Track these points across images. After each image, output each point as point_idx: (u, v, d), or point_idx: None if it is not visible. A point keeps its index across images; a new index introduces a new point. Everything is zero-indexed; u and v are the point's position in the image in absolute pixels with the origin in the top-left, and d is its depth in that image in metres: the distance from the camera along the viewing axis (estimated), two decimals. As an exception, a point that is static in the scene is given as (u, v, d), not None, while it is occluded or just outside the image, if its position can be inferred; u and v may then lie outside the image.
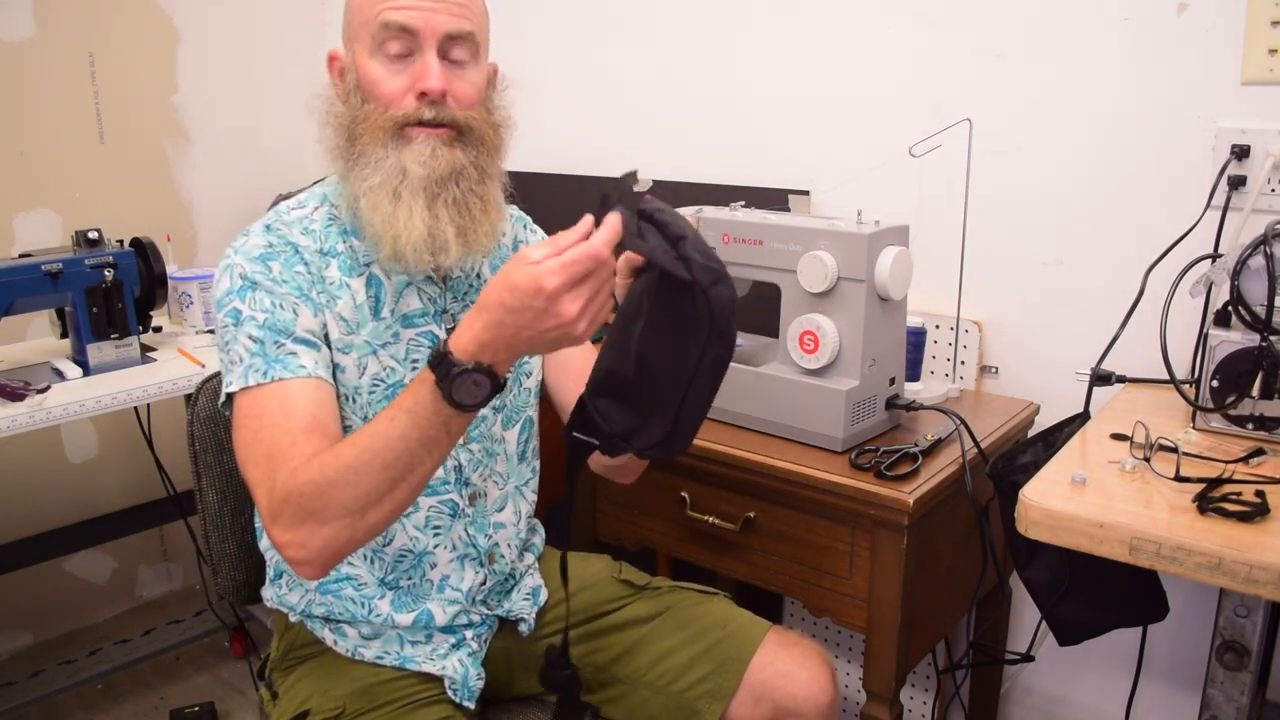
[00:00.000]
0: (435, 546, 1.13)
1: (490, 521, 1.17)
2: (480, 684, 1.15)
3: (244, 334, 1.00)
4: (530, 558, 1.25)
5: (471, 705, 1.14)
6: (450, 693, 1.13)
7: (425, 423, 0.87)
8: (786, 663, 1.16)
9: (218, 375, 1.25)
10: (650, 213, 0.84)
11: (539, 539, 1.29)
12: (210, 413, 1.26)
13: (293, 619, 1.17)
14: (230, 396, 1.00)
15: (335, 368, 1.05)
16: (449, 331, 1.11)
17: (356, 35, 1.04)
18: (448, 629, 1.15)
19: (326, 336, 1.05)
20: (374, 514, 0.90)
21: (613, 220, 0.82)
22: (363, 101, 1.04)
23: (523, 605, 1.21)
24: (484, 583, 1.16)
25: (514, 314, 0.81)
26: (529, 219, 1.28)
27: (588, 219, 0.83)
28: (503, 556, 1.18)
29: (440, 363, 0.85)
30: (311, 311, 1.03)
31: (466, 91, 1.04)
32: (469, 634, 1.16)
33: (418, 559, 1.13)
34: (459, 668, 1.14)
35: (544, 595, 1.25)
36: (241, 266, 1.02)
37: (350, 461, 0.88)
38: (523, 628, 1.21)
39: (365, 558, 1.12)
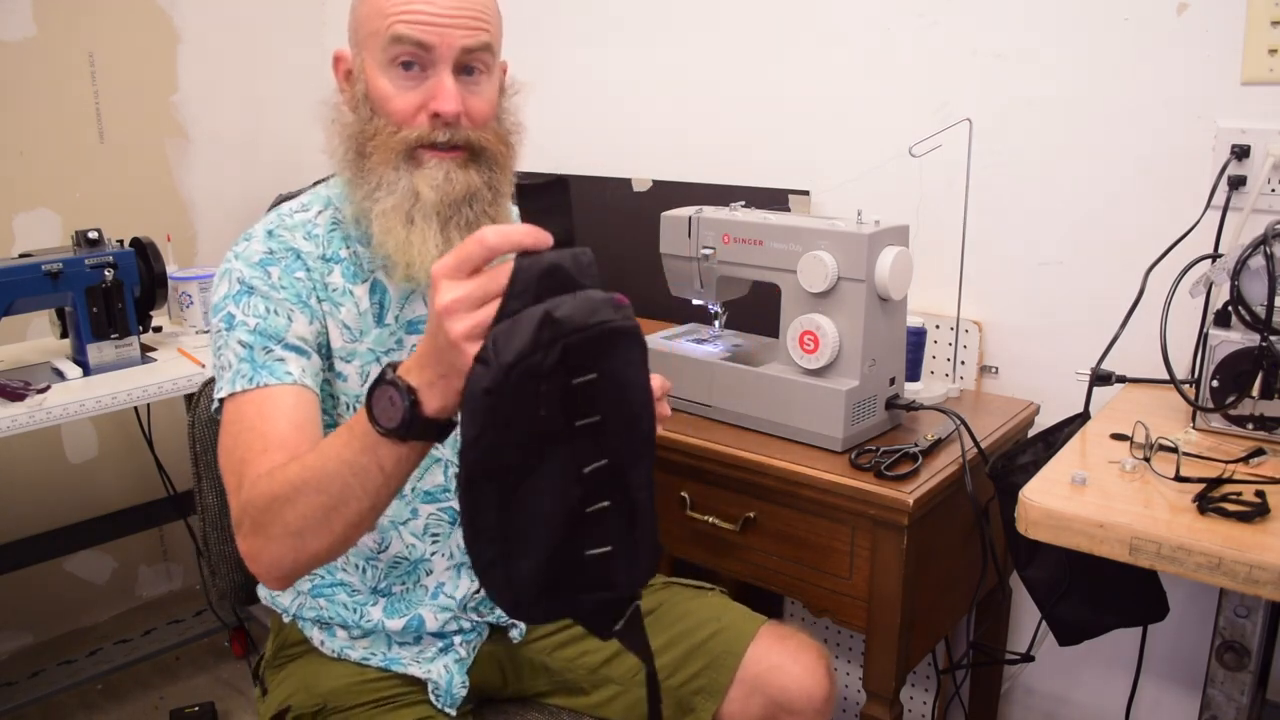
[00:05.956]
0: (432, 554, 1.12)
1: None
2: (463, 692, 1.13)
3: (235, 339, 0.98)
4: None
5: (453, 712, 1.11)
6: (433, 697, 1.12)
7: (358, 443, 0.79)
8: (780, 656, 1.15)
9: (218, 377, 1.25)
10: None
11: None
12: (212, 415, 1.25)
13: (285, 619, 1.17)
14: (221, 403, 0.98)
15: (337, 376, 1.04)
16: None
17: (365, 43, 1.01)
18: (437, 634, 1.14)
19: (325, 346, 1.03)
20: (314, 542, 0.84)
21: (523, 226, 0.71)
22: (372, 114, 1.00)
23: None
24: (478, 591, 1.15)
25: (430, 323, 0.73)
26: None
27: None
28: None
29: (379, 375, 0.77)
30: (307, 319, 1.01)
31: (481, 108, 1.01)
32: (458, 640, 1.15)
33: (413, 566, 1.12)
34: (444, 674, 1.12)
35: None
36: (240, 271, 1.01)
37: (293, 478, 0.83)
38: (514, 634, 1.20)
39: (358, 566, 1.12)
